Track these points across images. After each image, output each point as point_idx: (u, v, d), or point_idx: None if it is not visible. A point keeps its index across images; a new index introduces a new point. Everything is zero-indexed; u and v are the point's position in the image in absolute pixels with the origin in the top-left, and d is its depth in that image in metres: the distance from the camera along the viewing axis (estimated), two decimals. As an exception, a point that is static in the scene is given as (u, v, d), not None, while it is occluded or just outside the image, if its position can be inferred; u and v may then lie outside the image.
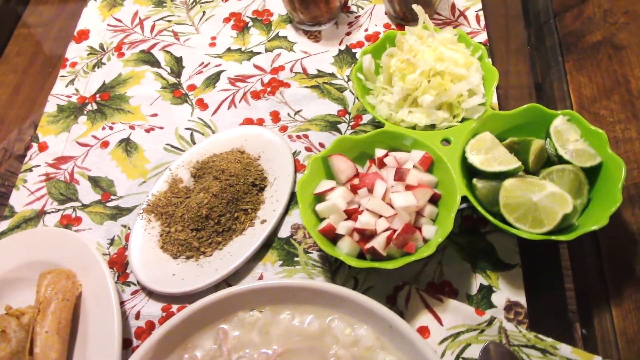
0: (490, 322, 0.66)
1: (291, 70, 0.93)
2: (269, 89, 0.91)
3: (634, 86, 0.86)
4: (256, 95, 0.91)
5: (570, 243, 0.73)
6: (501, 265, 0.71)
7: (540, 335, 0.64)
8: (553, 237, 0.64)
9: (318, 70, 0.93)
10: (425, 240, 0.67)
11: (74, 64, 0.99)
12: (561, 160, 0.69)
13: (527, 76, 0.92)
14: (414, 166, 0.70)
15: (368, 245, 0.66)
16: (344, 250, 0.67)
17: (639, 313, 0.68)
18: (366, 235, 0.67)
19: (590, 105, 0.85)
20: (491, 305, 0.69)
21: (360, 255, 0.68)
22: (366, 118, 0.86)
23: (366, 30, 0.97)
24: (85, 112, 0.93)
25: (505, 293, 0.69)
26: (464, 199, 0.68)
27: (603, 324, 0.68)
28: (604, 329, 0.68)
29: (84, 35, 1.03)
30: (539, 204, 0.64)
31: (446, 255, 0.73)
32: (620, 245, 0.73)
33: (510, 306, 0.69)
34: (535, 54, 0.94)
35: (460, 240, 0.74)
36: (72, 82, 0.97)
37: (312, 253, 0.75)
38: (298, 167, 0.81)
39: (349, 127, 0.86)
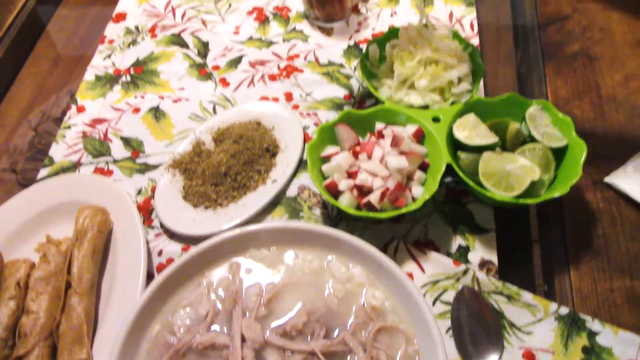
0: (465, 272, 0.77)
1: (305, 59, 1.05)
2: (284, 73, 1.03)
3: (604, 92, 0.99)
4: (273, 78, 1.03)
5: (539, 215, 0.85)
6: (478, 229, 0.82)
7: (507, 284, 0.75)
8: (521, 201, 0.75)
9: (329, 61, 1.05)
10: (414, 199, 0.78)
11: (111, 41, 1.11)
12: (533, 141, 0.81)
13: (512, 78, 1.04)
14: (407, 137, 0.82)
15: (365, 200, 0.77)
16: (344, 203, 0.78)
17: (593, 276, 0.79)
18: (364, 191, 0.78)
19: (564, 104, 0.98)
20: (467, 262, 0.79)
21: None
22: (368, 103, 0.98)
23: (373, 29, 1.10)
24: (120, 82, 1.04)
25: (480, 252, 0.80)
26: (451, 173, 0.79)
27: (562, 283, 0.79)
28: (562, 287, 0.78)
29: (122, 17, 1.16)
30: (511, 172, 0.76)
31: (431, 219, 0.84)
32: (581, 220, 0.84)
33: (483, 263, 0.79)
34: (520, 60, 1.06)
35: (444, 208, 0.85)
36: (109, 56, 1.09)
37: (315, 210, 0.86)
38: (307, 139, 0.93)
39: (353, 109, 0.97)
